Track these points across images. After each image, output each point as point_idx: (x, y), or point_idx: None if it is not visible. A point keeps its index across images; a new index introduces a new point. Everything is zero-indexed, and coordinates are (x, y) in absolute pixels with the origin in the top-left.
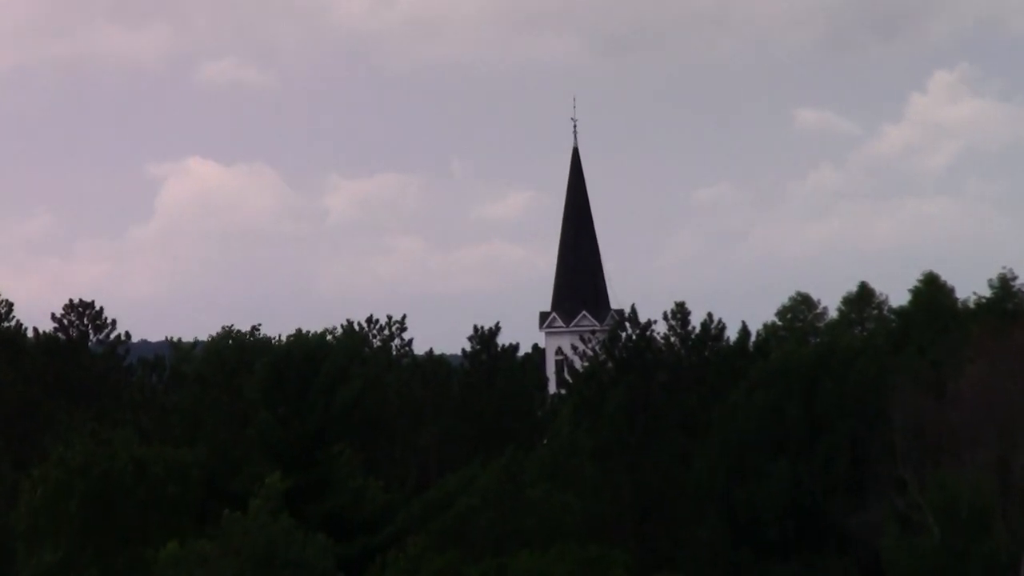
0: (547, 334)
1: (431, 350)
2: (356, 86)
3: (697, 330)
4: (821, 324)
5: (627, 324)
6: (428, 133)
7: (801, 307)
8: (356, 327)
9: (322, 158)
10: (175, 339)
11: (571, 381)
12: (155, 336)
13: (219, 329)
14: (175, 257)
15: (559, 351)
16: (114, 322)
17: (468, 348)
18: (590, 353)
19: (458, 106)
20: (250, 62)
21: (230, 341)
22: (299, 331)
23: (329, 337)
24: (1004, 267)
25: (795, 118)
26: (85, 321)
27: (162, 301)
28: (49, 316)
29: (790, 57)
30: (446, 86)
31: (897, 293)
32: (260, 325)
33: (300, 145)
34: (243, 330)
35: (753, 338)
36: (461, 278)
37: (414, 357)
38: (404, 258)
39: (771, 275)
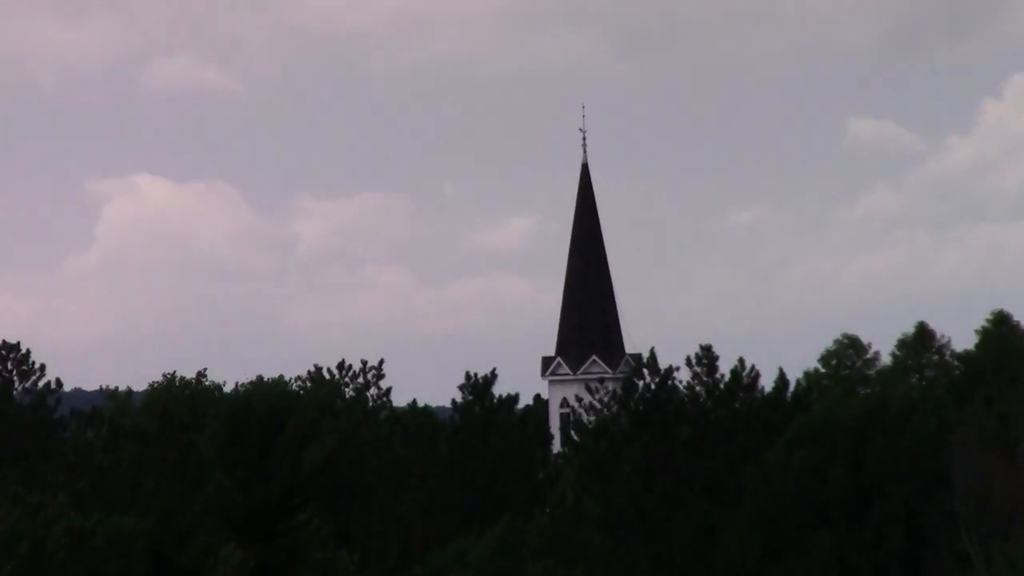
0: (551, 383)
1: (414, 401)
2: (333, 92)
3: (726, 378)
4: (872, 372)
5: (644, 371)
6: (416, 147)
7: (848, 351)
8: (326, 374)
9: (292, 175)
10: (112, 387)
11: (578, 438)
12: (91, 384)
13: (160, 376)
14: (117, 292)
15: (565, 403)
16: (43, 367)
17: (458, 399)
18: (600, 405)
19: (451, 116)
20: (209, 61)
21: (173, 390)
22: (260, 378)
23: (295, 386)
24: None
25: (847, 130)
26: (9, 366)
27: (101, 344)
28: None
29: (843, 59)
30: (437, 93)
31: (961, 335)
32: (206, 370)
33: (266, 160)
34: (188, 376)
35: (792, 388)
36: (451, 317)
37: (394, 409)
38: (386, 293)
39: (814, 314)
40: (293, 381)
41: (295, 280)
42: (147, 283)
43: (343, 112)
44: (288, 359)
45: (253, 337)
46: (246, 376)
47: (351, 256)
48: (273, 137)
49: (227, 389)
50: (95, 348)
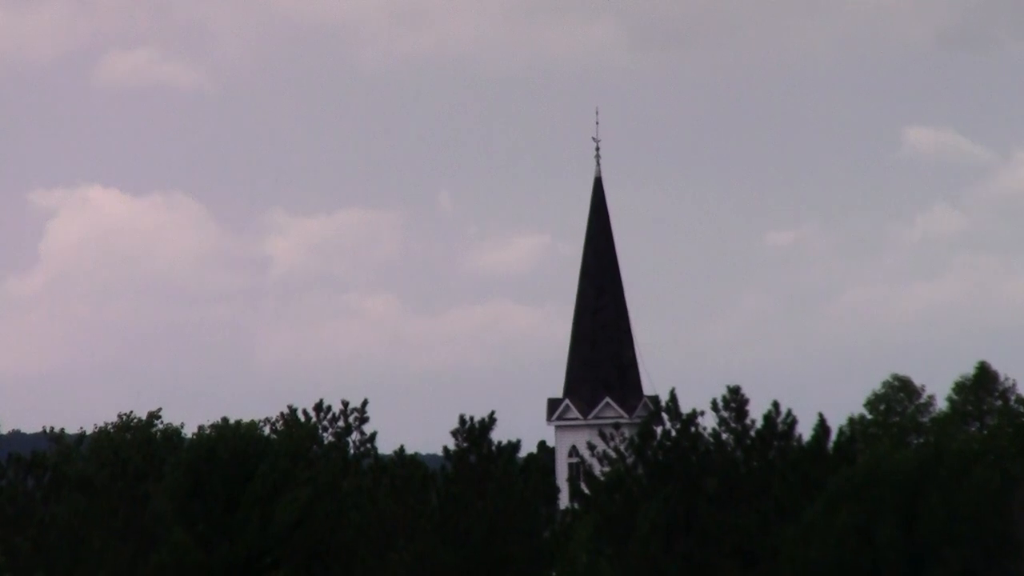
0: (558, 428)
1: (402, 448)
2: (313, 91)
3: (758, 425)
4: (926, 418)
5: (664, 416)
6: (407, 156)
7: (899, 395)
8: (301, 416)
9: (264, 187)
10: (57, 430)
11: (589, 492)
12: (32, 425)
13: (114, 417)
14: (64, 319)
15: (574, 451)
16: None
17: (451, 446)
18: (615, 454)
19: (448, 121)
20: (172, 55)
21: (128, 434)
22: (225, 421)
23: (265, 430)
24: None
25: (903, 139)
26: None
27: (44, 379)
28: None
29: (899, 58)
30: (432, 94)
31: None
32: (160, 411)
33: (235, 169)
34: (143, 417)
35: (834, 437)
36: (444, 351)
37: (378, 457)
38: (370, 323)
39: (860, 351)
40: (263, 424)
41: (267, 307)
42: (98, 309)
43: (325, 115)
44: (258, 398)
45: (218, 373)
46: (209, 418)
47: (331, 280)
48: (244, 143)
49: (188, 433)
50: (37, 384)
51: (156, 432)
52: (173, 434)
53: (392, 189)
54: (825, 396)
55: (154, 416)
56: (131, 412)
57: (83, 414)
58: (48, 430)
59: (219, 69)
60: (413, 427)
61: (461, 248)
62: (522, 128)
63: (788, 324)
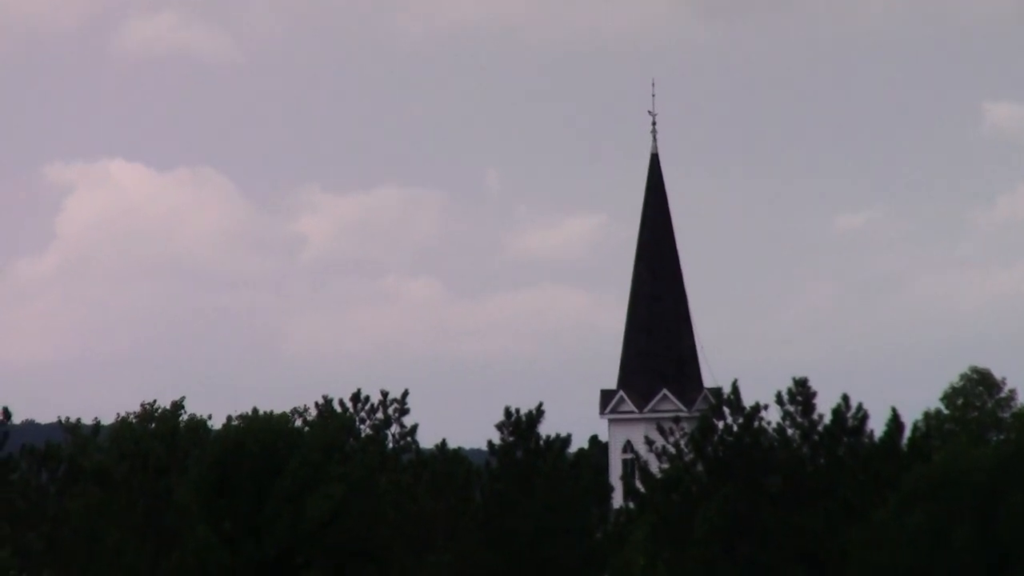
0: (611, 422)
1: (443, 442)
2: (349, 61)
3: (826, 420)
4: (1006, 414)
5: (725, 409)
6: (450, 131)
7: (978, 389)
8: (336, 407)
9: (297, 162)
10: (73, 420)
11: (645, 490)
12: (46, 415)
13: (137, 407)
14: (81, 303)
15: (628, 446)
16: None
17: (497, 440)
18: (673, 451)
19: (493, 93)
20: (197, 21)
21: (152, 424)
22: (254, 411)
23: (298, 421)
24: None
25: (983, 115)
26: None
27: (59, 367)
28: None
29: (980, 29)
30: (476, 65)
31: None
32: (184, 400)
33: (266, 143)
34: (166, 407)
35: (908, 433)
36: (490, 338)
37: (419, 452)
38: (411, 308)
39: (936, 342)
40: (295, 415)
41: (299, 291)
42: (117, 292)
43: (362, 85)
44: (290, 388)
45: (247, 361)
46: (237, 408)
47: (368, 262)
48: (275, 115)
49: (214, 424)
50: (51, 371)
51: (180, 423)
52: (199, 426)
53: (434, 165)
54: (898, 390)
55: (177, 406)
56: (155, 401)
57: (100, 404)
58: (63, 420)
59: (248, 36)
60: (456, 420)
61: (508, 228)
62: (573, 101)
63: (859, 312)
